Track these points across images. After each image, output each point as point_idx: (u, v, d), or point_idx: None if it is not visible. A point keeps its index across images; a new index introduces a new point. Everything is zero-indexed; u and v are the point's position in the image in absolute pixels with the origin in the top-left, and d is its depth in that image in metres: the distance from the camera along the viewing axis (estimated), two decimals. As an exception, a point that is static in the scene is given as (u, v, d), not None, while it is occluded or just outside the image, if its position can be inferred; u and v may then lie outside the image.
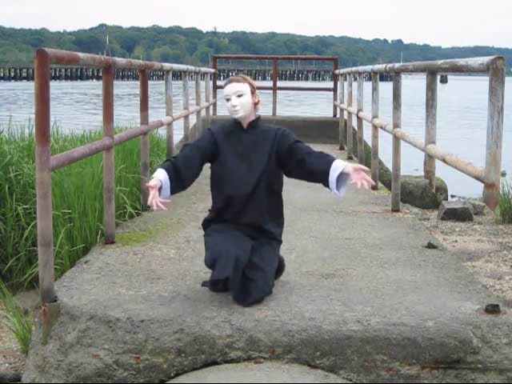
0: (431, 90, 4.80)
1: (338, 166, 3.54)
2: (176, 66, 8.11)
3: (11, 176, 5.73)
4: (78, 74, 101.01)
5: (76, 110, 34.05)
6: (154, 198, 3.42)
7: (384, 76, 42.24)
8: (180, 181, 3.58)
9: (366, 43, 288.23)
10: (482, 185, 3.44)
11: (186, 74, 8.53)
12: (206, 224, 3.78)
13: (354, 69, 9.33)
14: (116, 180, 5.36)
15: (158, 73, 67.91)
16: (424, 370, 3.20)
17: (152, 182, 3.44)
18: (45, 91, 3.37)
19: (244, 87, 3.67)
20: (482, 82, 56.26)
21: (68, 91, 55.58)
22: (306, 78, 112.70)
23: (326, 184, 3.59)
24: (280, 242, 3.80)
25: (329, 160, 3.58)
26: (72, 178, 5.41)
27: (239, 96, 3.65)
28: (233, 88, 3.67)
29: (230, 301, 3.50)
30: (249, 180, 3.65)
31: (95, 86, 64.94)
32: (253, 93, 3.71)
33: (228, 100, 3.67)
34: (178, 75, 13.07)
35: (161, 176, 3.50)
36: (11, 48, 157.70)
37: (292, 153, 3.66)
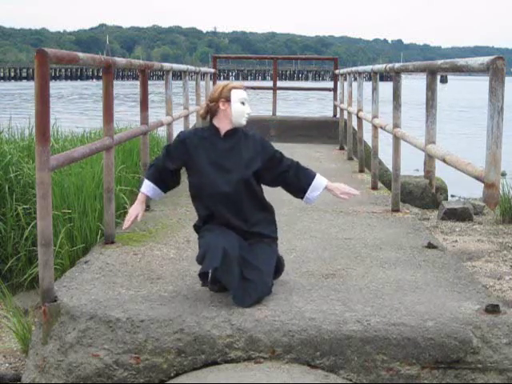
0: (431, 90, 4.79)
1: (320, 184, 3.72)
2: (176, 66, 8.11)
3: (11, 176, 5.73)
4: (78, 74, 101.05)
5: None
6: (128, 222, 3.79)
7: (384, 76, 42.23)
8: (167, 185, 3.82)
9: (366, 43, 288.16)
10: (482, 185, 3.44)
11: (186, 74, 8.53)
12: (197, 228, 3.80)
13: (353, 69, 9.33)
14: (116, 180, 5.36)
15: (158, 73, 67.87)
16: (424, 370, 3.20)
17: (136, 210, 3.78)
18: (45, 91, 3.37)
19: None
20: (482, 82, 56.25)
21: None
22: (306, 78, 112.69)
23: (299, 197, 3.77)
24: (275, 239, 3.78)
25: (309, 177, 3.73)
26: (72, 178, 5.41)
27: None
28: (246, 96, 3.74)
29: (230, 301, 3.49)
30: (226, 188, 3.62)
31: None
32: None
33: (243, 104, 3.69)
34: (178, 75, 13.05)
35: (148, 192, 3.80)
36: (11, 48, 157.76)
37: (273, 165, 3.71)
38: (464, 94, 64.06)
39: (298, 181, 3.72)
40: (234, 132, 3.72)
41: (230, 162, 3.66)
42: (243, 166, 3.65)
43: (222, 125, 3.71)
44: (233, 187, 3.61)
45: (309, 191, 3.71)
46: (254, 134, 3.79)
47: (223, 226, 3.63)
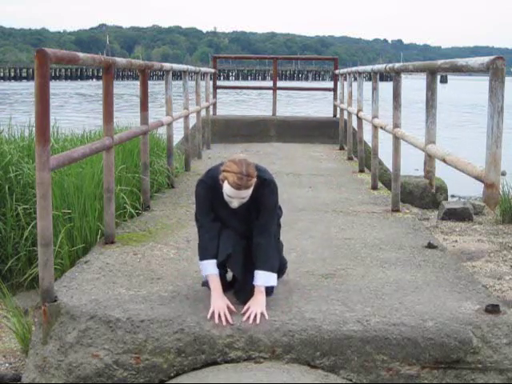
0: (431, 90, 4.79)
1: (260, 281, 3.44)
2: (176, 66, 8.11)
3: (11, 176, 5.72)
4: (78, 74, 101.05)
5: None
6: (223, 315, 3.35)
7: (384, 76, 42.23)
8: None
9: (366, 43, 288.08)
10: (482, 185, 3.44)
11: (185, 74, 8.53)
12: None
13: (354, 69, 9.33)
14: (116, 180, 5.36)
15: (158, 73, 67.89)
16: (424, 370, 3.20)
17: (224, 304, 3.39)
18: (45, 91, 3.37)
19: (249, 192, 3.40)
20: (482, 82, 56.24)
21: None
22: (306, 78, 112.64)
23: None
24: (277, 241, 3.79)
25: (263, 264, 3.46)
26: (72, 178, 5.41)
27: (242, 198, 3.42)
28: (240, 194, 3.37)
29: (230, 301, 3.49)
30: (241, 229, 3.56)
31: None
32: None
33: (230, 197, 3.40)
34: (178, 75, 13.04)
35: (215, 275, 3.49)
36: (11, 48, 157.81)
37: (262, 212, 3.51)
38: (464, 94, 64.02)
39: (254, 257, 3.49)
40: None
41: (245, 211, 3.51)
42: (254, 215, 3.53)
43: None
44: (247, 228, 3.56)
45: (254, 274, 3.46)
46: (266, 184, 3.52)
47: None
